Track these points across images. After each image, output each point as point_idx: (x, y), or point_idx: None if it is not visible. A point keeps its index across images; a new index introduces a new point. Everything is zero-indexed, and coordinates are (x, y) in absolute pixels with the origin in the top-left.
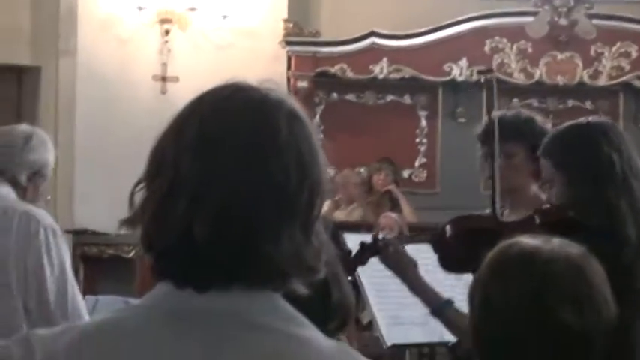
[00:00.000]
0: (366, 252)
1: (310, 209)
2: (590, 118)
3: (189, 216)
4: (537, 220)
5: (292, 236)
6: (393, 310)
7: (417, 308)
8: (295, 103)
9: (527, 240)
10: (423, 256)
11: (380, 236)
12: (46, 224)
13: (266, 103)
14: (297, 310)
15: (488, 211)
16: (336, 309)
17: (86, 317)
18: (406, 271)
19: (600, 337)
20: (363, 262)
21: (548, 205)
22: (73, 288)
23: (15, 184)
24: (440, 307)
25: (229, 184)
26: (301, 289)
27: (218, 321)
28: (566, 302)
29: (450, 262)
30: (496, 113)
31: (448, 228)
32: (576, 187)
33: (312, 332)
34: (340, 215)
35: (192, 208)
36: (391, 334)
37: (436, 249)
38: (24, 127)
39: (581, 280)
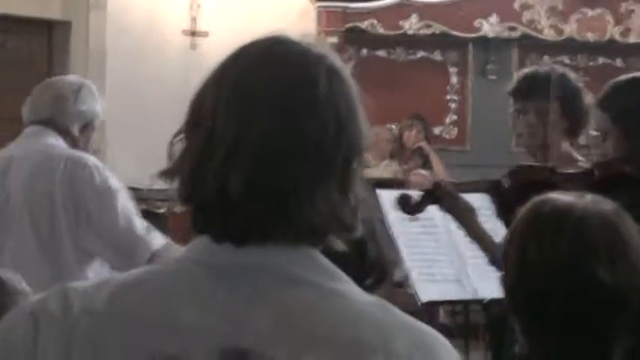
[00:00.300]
0: (427, 199)
1: (347, 167)
2: None
3: (226, 167)
4: (595, 173)
5: (328, 193)
6: (427, 267)
7: (450, 265)
8: (337, 60)
9: (560, 196)
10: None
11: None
12: (90, 164)
13: (306, 57)
14: (328, 262)
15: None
16: (373, 266)
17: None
18: (465, 218)
19: (634, 294)
20: (422, 210)
21: (605, 159)
22: (129, 211)
23: (67, 134)
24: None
25: (264, 137)
26: (338, 245)
27: (256, 275)
28: (600, 258)
29: (507, 212)
30: (528, 69)
31: (506, 178)
32: (633, 141)
33: (350, 287)
34: (372, 172)
35: (228, 159)
36: (425, 291)
37: (493, 199)
38: (73, 78)
39: (615, 237)
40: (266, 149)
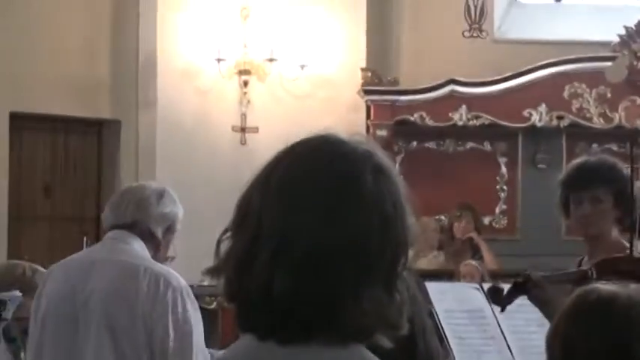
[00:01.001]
0: (516, 290)
1: (394, 266)
2: None
3: (271, 268)
4: None
5: (374, 292)
6: (475, 358)
7: (498, 357)
8: (384, 157)
9: (605, 286)
10: None
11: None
12: (174, 285)
13: (352, 155)
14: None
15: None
16: None
17: None
18: (554, 309)
19: None
20: (511, 301)
21: None
22: (197, 349)
23: (150, 238)
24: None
25: (311, 237)
26: (386, 342)
27: None
28: None
29: None
30: (580, 158)
31: (594, 269)
32: None
33: None
34: (421, 263)
35: (274, 260)
36: None
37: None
38: (155, 184)
39: None
40: (312, 248)
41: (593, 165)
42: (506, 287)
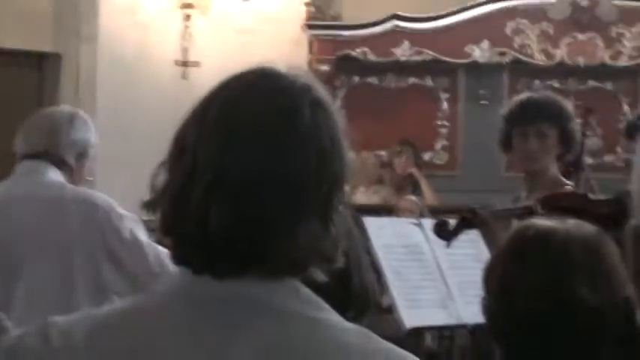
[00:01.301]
0: (462, 225)
1: (330, 200)
2: None
3: (206, 201)
4: (625, 201)
5: (310, 226)
6: (412, 293)
7: (436, 291)
8: (322, 91)
9: (543, 222)
10: None
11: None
12: (100, 204)
13: (290, 89)
14: (309, 292)
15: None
16: (356, 297)
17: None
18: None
19: (616, 314)
20: (457, 236)
21: None
22: (149, 244)
23: (62, 165)
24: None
25: (247, 170)
26: (320, 276)
27: (235, 307)
28: (583, 280)
29: None
30: (525, 94)
31: (539, 205)
32: None
33: (332, 316)
34: (360, 198)
35: (209, 193)
36: (410, 317)
37: None
38: (65, 108)
39: (597, 259)
40: (247, 183)
41: (538, 100)
42: (452, 222)
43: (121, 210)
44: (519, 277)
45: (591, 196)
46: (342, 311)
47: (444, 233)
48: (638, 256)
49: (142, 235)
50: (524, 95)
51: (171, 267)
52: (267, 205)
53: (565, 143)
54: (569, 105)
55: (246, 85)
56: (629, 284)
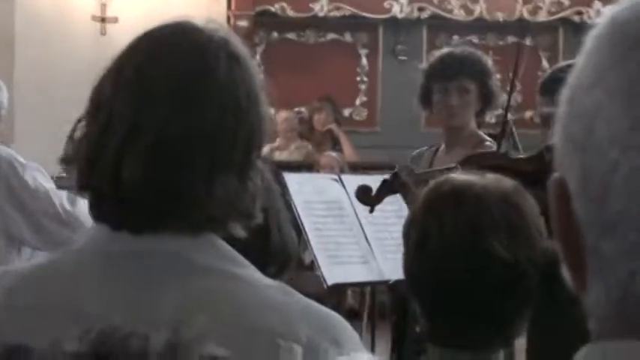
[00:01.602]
0: (385, 189)
1: (247, 155)
2: None
3: (120, 156)
4: (546, 157)
5: (226, 181)
6: (333, 249)
7: (357, 248)
8: (239, 46)
9: (460, 176)
10: None
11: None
12: (6, 157)
13: (206, 45)
14: (229, 248)
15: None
16: (276, 253)
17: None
18: None
19: (533, 269)
20: (380, 200)
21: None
22: (53, 191)
23: None
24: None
25: (162, 125)
26: (239, 232)
27: (153, 262)
28: (500, 234)
29: None
30: (446, 49)
31: (459, 166)
32: None
33: (252, 272)
34: (281, 155)
35: (124, 149)
36: (332, 274)
37: None
38: None
39: (514, 213)
40: (161, 138)
41: (459, 55)
42: (374, 186)
43: (22, 159)
44: (435, 232)
45: (513, 154)
46: (263, 267)
47: (367, 199)
48: (560, 210)
49: (46, 182)
50: (445, 50)
51: (77, 212)
52: (182, 160)
53: (485, 99)
54: (489, 61)
55: (160, 41)
56: (547, 239)
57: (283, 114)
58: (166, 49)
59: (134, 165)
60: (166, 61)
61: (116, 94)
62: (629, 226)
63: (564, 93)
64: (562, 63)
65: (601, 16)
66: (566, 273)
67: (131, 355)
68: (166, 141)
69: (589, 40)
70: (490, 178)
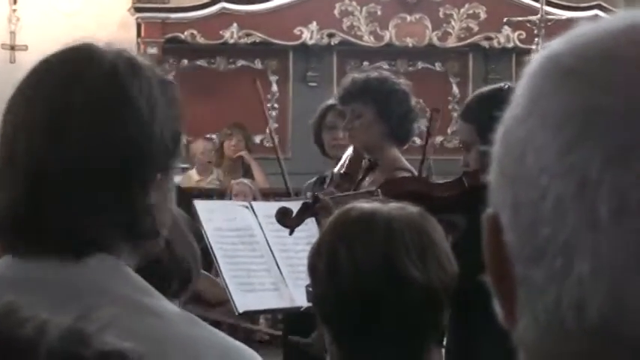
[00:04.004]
0: (305, 212)
1: (147, 176)
2: (510, 84)
3: (23, 186)
4: (465, 183)
5: (127, 202)
6: (244, 277)
7: (268, 274)
8: (146, 70)
9: (364, 204)
10: None
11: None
12: None
13: (112, 67)
14: (142, 279)
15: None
16: (175, 272)
17: None
18: None
19: (445, 290)
20: (300, 223)
21: (472, 169)
22: None
23: None
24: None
25: (63, 154)
26: (140, 253)
27: (51, 289)
28: (411, 258)
29: None
30: (348, 75)
31: (379, 190)
32: None
33: (159, 301)
34: (198, 184)
35: (26, 179)
36: (243, 301)
37: None
38: None
39: (423, 237)
40: (64, 166)
41: (355, 80)
42: (294, 209)
43: None
44: (346, 258)
45: (432, 179)
46: (162, 286)
47: (287, 221)
48: (492, 243)
49: None
50: (344, 78)
51: None
52: (84, 185)
53: (386, 119)
54: (402, 84)
55: (63, 65)
56: (454, 262)
57: (201, 145)
58: (68, 74)
59: (23, 193)
60: (67, 87)
61: (17, 124)
62: (556, 252)
63: (499, 130)
64: (483, 89)
65: (535, 57)
66: (497, 308)
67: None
68: (50, 167)
69: (524, 77)
70: (394, 205)
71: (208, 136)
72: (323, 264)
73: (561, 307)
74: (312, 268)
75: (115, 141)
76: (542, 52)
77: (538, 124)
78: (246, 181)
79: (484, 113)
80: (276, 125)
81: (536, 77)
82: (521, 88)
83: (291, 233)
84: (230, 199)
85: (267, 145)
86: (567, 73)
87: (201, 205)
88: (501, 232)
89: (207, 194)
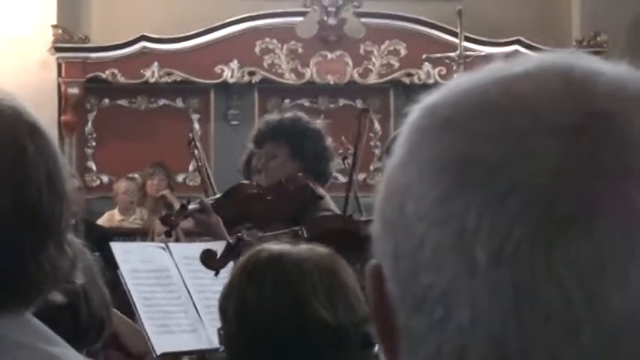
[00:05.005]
0: (229, 253)
1: (61, 222)
2: None
3: None
4: None
5: (48, 251)
6: (162, 318)
7: (186, 316)
8: (34, 116)
9: (275, 245)
10: None
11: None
12: None
13: (5, 119)
14: (46, 326)
15: None
16: (89, 321)
17: None
18: None
19: (355, 330)
20: (225, 264)
21: None
22: None
23: None
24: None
25: None
26: (58, 297)
27: None
28: (319, 299)
29: None
30: (262, 119)
31: (304, 228)
32: None
33: (63, 349)
34: (120, 224)
35: None
36: (160, 343)
37: None
38: None
39: (332, 278)
40: None
41: (269, 122)
42: (219, 251)
43: None
44: (255, 299)
45: (357, 216)
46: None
47: (212, 263)
48: (374, 293)
49: None
50: (260, 120)
51: None
52: (11, 241)
53: (299, 159)
54: (315, 123)
55: None
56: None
57: (123, 184)
58: None
59: None
60: None
61: None
62: (436, 301)
63: (381, 179)
64: None
65: (415, 107)
66: (381, 358)
67: None
68: None
69: (404, 127)
70: (305, 247)
71: (130, 175)
72: (233, 305)
73: (442, 356)
74: (223, 310)
75: (46, 192)
76: (421, 102)
77: (416, 172)
78: None
79: None
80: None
81: (414, 127)
82: (402, 137)
83: (216, 274)
84: (152, 238)
85: (190, 183)
86: (444, 123)
87: (117, 247)
88: (384, 282)
89: (130, 234)
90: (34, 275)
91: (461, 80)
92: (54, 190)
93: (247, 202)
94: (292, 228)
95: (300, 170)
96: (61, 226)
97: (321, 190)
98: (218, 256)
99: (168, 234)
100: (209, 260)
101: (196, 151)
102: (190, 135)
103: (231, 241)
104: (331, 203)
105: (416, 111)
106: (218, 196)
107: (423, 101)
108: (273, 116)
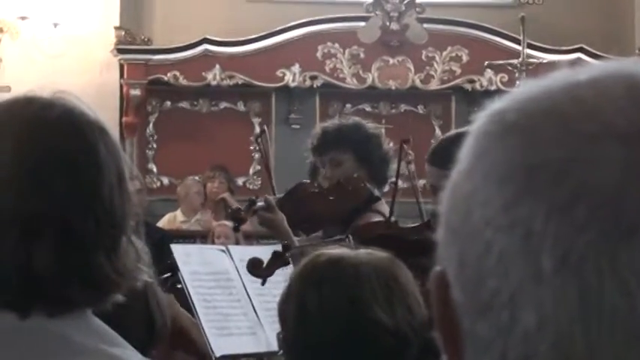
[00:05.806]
0: (276, 261)
1: (129, 222)
2: None
3: (23, 245)
4: (433, 225)
5: (119, 251)
6: (221, 321)
7: (245, 318)
8: (100, 117)
9: (334, 250)
10: None
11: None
12: None
13: (78, 121)
14: (109, 327)
15: None
16: (148, 324)
17: None
18: None
19: (414, 335)
20: (272, 272)
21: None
22: None
23: None
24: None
25: (59, 209)
26: (117, 297)
27: (32, 343)
28: (378, 302)
29: None
30: (321, 124)
31: (351, 235)
32: None
33: (125, 351)
34: (184, 226)
35: (25, 237)
36: (219, 345)
37: None
38: None
39: (390, 282)
40: (62, 224)
41: (329, 130)
42: (265, 259)
43: None
44: (314, 303)
45: (402, 222)
46: (137, 339)
47: (258, 272)
48: (439, 298)
49: None
50: (318, 127)
51: None
52: (85, 239)
53: (366, 164)
54: (375, 128)
55: (33, 119)
56: (424, 307)
57: (195, 186)
58: (40, 131)
59: (42, 253)
60: (42, 143)
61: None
62: (502, 305)
63: (447, 187)
64: (450, 132)
65: (481, 114)
66: None
67: None
68: (66, 224)
69: (469, 134)
70: (363, 251)
71: (191, 178)
72: (292, 309)
73: None
74: (282, 314)
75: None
76: (487, 109)
77: (482, 178)
78: (228, 223)
79: (448, 156)
80: (258, 167)
81: (480, 132)
82: (468, 144)
83: (263, 283)
84: (212, 241)
85: (250, 187)
86: (510, 128)
87: (178, 249)
88: (449, 288)
89: (189, 236)
90: (108, 274)
91: (527, 87)
92: (123, 190)
93: (310, 201)
94: (339, 236)
95: (367, 175)
96: (129, 226)
97: (376, 192)
98: (264, 264)
99: (236, 229)
100: (255, 269)
101: (262, 147)
102: (264, 127)
103: (294, 239)
104: (385, 206)
105: (481, 117)
106: (280, 195)
107: (489, 108)
108: (329, 124)
